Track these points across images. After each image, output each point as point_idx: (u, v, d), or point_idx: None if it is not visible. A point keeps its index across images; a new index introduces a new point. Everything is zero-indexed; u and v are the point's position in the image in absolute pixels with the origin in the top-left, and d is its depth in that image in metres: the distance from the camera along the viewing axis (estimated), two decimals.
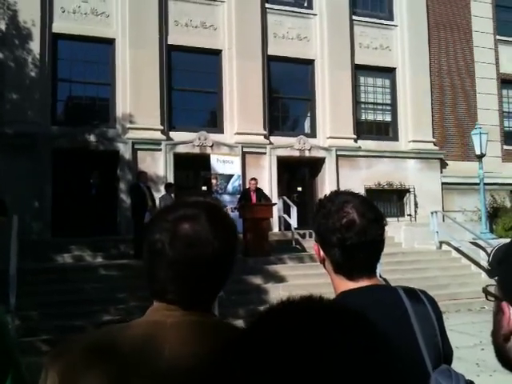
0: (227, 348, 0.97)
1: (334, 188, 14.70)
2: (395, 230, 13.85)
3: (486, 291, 0.91)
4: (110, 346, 1.08)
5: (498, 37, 18.04)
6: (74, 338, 1.14)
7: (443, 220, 14.48)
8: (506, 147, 17.67)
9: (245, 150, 14.16)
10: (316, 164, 15.34)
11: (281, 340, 0.85)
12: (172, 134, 13.87)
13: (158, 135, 13.49)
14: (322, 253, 1.52)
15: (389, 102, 16.58)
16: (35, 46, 12.59)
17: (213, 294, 1.22)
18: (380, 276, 10.37)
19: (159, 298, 1.17)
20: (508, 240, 0.93)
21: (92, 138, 12.80)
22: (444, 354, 1.43)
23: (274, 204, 12.66)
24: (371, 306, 1.36)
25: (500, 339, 0.86)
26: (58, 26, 13.06)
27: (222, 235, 1.17)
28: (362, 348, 0.74)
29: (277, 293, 10.05)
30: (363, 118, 16.30)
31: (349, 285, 1.45)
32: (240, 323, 8.50)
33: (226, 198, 13.46)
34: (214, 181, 13.50)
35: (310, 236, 12.42)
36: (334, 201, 1.49)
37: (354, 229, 1.42)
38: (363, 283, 1.45)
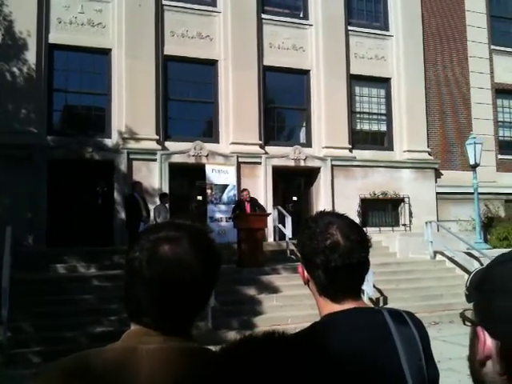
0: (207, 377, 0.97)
1: (330, 198, 14.75)
2: (390, 240, 13.88)
3: (463, 316, 0.92)
4: (86, 371, 1.07)
5: (492, 47, 18.16)
6: (52, 362, 1.13)
7: (438, 230, 14.50)
8: (500, 157, 17.75)
9: (240, 159, 14.18)
10: (311, 174, 15.37)
11: (259, 370, 0.86)
12: (167, 143, 13.88)
13: (153, 145, 13.50)
14: (306, 274, 1.51)
15: (384, 111, 16.64)
16: (31, 56, 12.61)
17: (190, 319, 1.20)
18: (374, 286, 10.38)
19: (135, 320, 1.16)
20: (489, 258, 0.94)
21: (88, 148, 12.80)
22: (429, 377, 1.42)
23: (269, 214, 12.63)
24: (355, 328, 1.36)
25: (476, 364, 0.87)
26: (55, 37, 13.10)
27: (203, 260, 1.16)
28: (339, 375, 0.74)
29: (271, 303, 10.05)
30: (358, 127, 16.35)
31: (333, 307, 1.43)
32: (233, 334, 8.48)
33: (222, 207, 13.48)
34: (209, 191, 13.52)
35: None
36: (319, 222, 1.47)
37: (338, 251, 1.41)
38: (348, 305, 1.43)
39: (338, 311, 1.42)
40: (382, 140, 16.67)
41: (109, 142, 13.30)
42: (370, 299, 10.15)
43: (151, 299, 1.12)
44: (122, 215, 12.19)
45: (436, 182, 16.40)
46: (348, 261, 1.41)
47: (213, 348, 1.21)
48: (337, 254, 1.41)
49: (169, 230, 1.18)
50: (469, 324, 0.90)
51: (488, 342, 0.84)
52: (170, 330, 1.13)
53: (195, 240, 1.18)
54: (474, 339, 0.88)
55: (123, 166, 13.08)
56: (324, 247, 1.41)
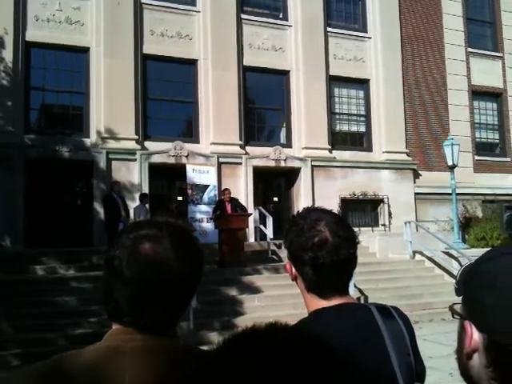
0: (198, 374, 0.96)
1: (310, 198, 14.80)
2: (369, 240, 13.97)
3: (452, 309, 0.93)
4: (67, 373, 1.04)
5: (469, 49, 18.43)
6: (31, 364, 1.10)
7: (417, 230, 14.64)
8: (477, 158, 18.02)
9: (221, 160, 14.15)
10: (292, 174, 15.41)
11: (243, 370, 0.85)
12: (147, 143, 13.79)
13: (132, 145, 13.39)
14: (294, 271, 1.50)
15: (363, 113, 16.77)
16: (7, 54, 12.43)
17: (173, 317, 1.17)
18: (355, 286, 10.43)
19: (115, 319, 1.13)
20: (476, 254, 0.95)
21: (66, 147, 12.64)
22: (416, 372, 1.43)
23: (250, 214, 12.64)
24: (344, 325, 1.36)
25: (463, 357, 0.88)
26: (32, 35, 12.92)
27: (185, 258, 1.13)
28: (330, 374, 0.74)
29: (252, 304, 10.05)
30: (338, 128, 16.45)
31: (321, 303, 1.43)
32: (214, 335, 8.46)
33: (202, 208, 13.43)
34: (189, 191, 13.46)
35: None
36: (306, 218, 1.46)
37: (327, 247, 1.40)
38: (336, 301, 1.43)
39: (325, 307, 1.42)
40: (361, 141, 16.80)
41: (87, 142, 13.15)
42: None
43: (131, 299, 1.09)
44: (101, 215, 12.06)
45: (415, 182, 16.58)
46: (336, 257, 1.40)
47: None
48: (325, 251, 1.40)
49: (150, 228, 1.15)
50: (457, 317, 0.91)
51: (475, 335, 0.85)
52: (151, 330, 1.11)
53: (177, 238, 1.15)
54: (462, 333, 0.89)
55: (102, 166, 12.94)
56: (312, 244, 1.40)
